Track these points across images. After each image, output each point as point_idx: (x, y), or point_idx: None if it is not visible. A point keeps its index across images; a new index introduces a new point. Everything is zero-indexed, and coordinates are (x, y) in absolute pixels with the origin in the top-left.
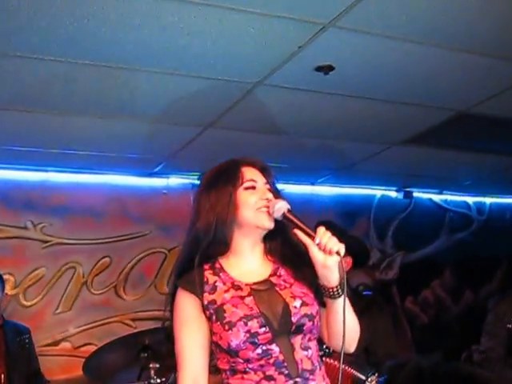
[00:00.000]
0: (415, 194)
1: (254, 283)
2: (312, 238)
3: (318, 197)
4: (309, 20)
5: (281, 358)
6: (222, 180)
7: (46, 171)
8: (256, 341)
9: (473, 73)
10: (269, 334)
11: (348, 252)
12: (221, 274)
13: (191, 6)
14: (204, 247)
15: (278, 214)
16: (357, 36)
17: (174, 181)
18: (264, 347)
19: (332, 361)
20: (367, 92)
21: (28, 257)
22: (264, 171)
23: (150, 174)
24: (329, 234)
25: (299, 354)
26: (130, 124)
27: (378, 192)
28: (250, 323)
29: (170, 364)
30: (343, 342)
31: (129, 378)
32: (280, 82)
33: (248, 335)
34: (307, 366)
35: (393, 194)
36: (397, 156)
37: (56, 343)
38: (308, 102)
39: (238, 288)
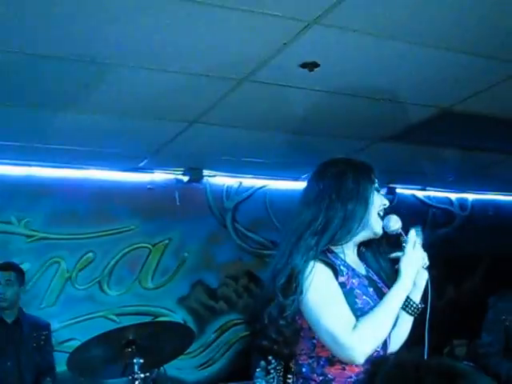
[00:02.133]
0: (398, 191)
1: (365, 276)
2: None
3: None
4: (294, 17)
5: (381, 352)
6: (367, 175)
7: (31, 166)
8: None
9: (455, 70)
10: None
11: None
12: (340, 259)
13: (177, 2)
14: (340, 230)
15: (394, 231)
16: (341, 33)
17: (159, 176)
18: None
19: None
20: (351, 89)
21: (12, 251)
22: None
23: (135, 169)
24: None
25: (389, 350)
26: (115, 119)
27: None
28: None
29: (153, 359)
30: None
31: (113, 373)
32: (265, 79)
33: None
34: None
35: None
36: (380, 152)
37: None
38: (293, 98)
39: (358, 276)
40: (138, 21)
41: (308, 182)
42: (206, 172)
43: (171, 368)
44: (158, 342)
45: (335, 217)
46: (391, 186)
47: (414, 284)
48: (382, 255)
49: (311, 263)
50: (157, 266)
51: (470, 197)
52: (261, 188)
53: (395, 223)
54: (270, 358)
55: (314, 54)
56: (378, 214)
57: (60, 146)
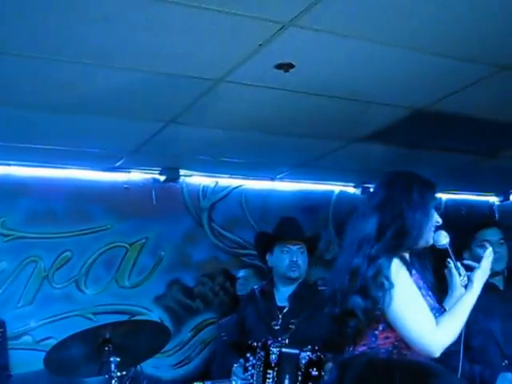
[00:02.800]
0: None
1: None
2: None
3: (278, 192)
4: (270, 18)
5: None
6: (432, 191)
7: (8, 165)
8: None
9: (429, 72)
10: None
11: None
12: (408, 261)
13: (154, 2)
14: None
15: (442, 245)
16: (317, 35)
17: (136, 175)
18: None
19: None
20: (327, 90)
21: None
22: None
23: (112, 169)
24: (464, 270)
25: None
26: (92, 119)
27: (336, 188)
28: (435, 315)
29: (130, 358)
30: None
31: (89, 371)
32: (241, 79)
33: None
34: None
35: (351, 189)
36: (355, 152)
37: (17, 337)
38: (269, 98)
39: (421, 278)
40: (116, 22)
41: (376, 189)
42: (182, 172)
43: (148, 366)
44: (134, 340)
45: (407, 224)
46: (366, 185)
47: (452, 298)
48: (428, 267)
49: (395, 261)
50: (133, 265)
51: (444, 196)
52: (237, 187)
53: (444, 238)
54: (248, 355)
55: (290, 55)
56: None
57: (38, 145)
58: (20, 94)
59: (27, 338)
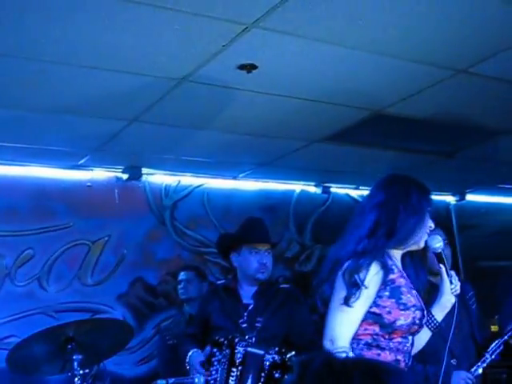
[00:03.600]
0: (333, 190)
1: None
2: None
3: (240, 191)
4: (233, 20)
5: (410, 349)
6: (427, 196)
7: None
8: (411, 329)
9: (388, 75)
10: (416, 327)
11: None
12: (394, 260)
13: (118, 2)
14: (403, 238)
15: (435, 249)
16: (279, 37)
17: (99, 174)
18: (408, 336)
19: None
20: (288, 90)
21: None
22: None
23: (75, 167)
24: (457, 278)
25: (412, 351)
26: (55, 117)
27: (297, 187)
28: (416, 312)
29: (93, 355)
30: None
31: (52, 369)
32: (204, 79)
33: (412, 321)
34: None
35: (312, 189)
36: (316, 152)
37: None
38: (231, 98)
39: (405, 278)
40: (80, 20)
41: (374, 190)
42: (145, 170)
43: (110, 364)
44: (97, 338)
45: (400, 226)
46: (326, 185)
47: (440, 304)
48: (421, 267)
49: (374, 265)
50: (96, 263)
51: None
52: (199, 186)
53: (437, 243)
54: (214, 350)
55: (253, 56)
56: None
57: (1, 142)
58: None
59: None
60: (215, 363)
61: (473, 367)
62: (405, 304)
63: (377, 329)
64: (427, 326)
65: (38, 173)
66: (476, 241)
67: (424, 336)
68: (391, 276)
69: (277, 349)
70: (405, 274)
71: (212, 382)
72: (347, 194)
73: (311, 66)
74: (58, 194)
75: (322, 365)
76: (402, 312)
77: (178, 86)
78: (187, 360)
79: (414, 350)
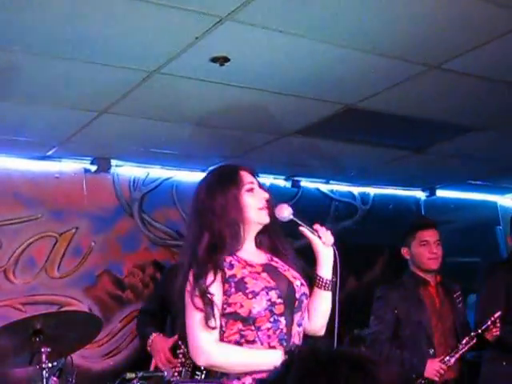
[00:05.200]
0: (303, 184)
1: (262, 264)
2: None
3: None
4: (206, 12)
5: (284, 330)
6: (226, 183)
7: None
8: (273, 310)
9: (361, 69)
10: (282, 306)
11: None
12: (234, 256)
13: None
14: (221, 251)
15: (285, 217)
16: (252, 30)
17: (67, 165)
18: (276, 317)
19: None
20: (260, 84)
21: None
22: (255, 174)
23: (43, 158)
24: (324, 229)
25: (295, 330)
26: (23, 107)
27: (267, 180)
28: (270, 293)
29: (61, 348)
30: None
31: (20, 362)
32: (176, 71)
33: (269, 303)
34: (298, 341)
35: (281, 182)
36: (287, 146)
37: None
38: (203, 91)
39: (252, 266)
40: (49, 9)
41: None
42: (114, 162)
43: (78, 357)
44: (65, 331)
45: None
46: (296, 178)
47: (321, 262)
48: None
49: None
50: (63, 255)
51: (372, 191)
52: (168, 179)
53: (284, 211)
54: (178, 352)
55: (225, 48)
56: (261, 207)
57: None
58: None
59: None
60: (180, 356)
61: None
62: (253, 291)
63: (241, 324)
64: (320, 288)
65: (5, 163)
66: (444, 236)
67: (323, 299)
68: (230, 272)
69: None
70: (252, 262)
71: (176, 374)
72: (317, 189)
73: (283, 59)
74: (25, 186)
75: (308, 354)
76: (254, 300)
77: (149, 78)
78: (149, 343)
79: (320, 320)
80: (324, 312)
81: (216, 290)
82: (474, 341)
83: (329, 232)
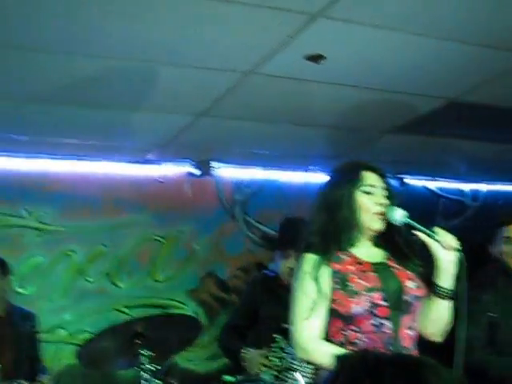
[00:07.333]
0: (409, 181)
1: (373, 263)
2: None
3: (312, 184)
4: (298, 10)
5: (390, 334)
6: (343, 180)
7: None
8: (375, 311)
9: (462, 61)
10: (385, 309)
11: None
12: (346, 252)
13: None
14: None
15: (398, 221)
16: (346, 25)
17: (169, 169)
18: (379, 320)
19: None
20: (358, 81)
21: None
22: (383, 176)
23: (143, 162)
24: (446, 232)
25: (403, 333)
26: (121, 113)
27: None
28: (372, 294)
29: (163, 351)
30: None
31: (122, 365)
32: (271, 71)
33: (370, 304)
34: (409, 345)
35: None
36: (389, 143)
37: (50, 330)
38: (300, 90)
39: (361, 264)
40: (152, 18)
41: None
42: (215, 164)
43: (182, 359)
44: (166, 334)
45: None
46: (401, 176)
47: (439, 268)
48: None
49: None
50: (167, 259)
51: (482, 187)
52: (271, 181)
53: (398, 213)
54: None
55: (320, 46)
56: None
57: (69, 139)
58: (52, 90)
59: (61, 332)
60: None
61: None
62: (354, 290)
63: (342, 323)
64: (439, 297)
65: (108, 168)
66: None
67: (436, 307)
68: (336, 266)
69: None
70: (363, 260)
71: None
72: (424, 186)
73: (379, 54)
74: (127, 190)
75: (358, 358)
76: (353, 299)
77: (245, 79)
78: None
79: (436, 327)
80: (435, 320)
81: (324, 283)
82: None
83: (450, 235)
